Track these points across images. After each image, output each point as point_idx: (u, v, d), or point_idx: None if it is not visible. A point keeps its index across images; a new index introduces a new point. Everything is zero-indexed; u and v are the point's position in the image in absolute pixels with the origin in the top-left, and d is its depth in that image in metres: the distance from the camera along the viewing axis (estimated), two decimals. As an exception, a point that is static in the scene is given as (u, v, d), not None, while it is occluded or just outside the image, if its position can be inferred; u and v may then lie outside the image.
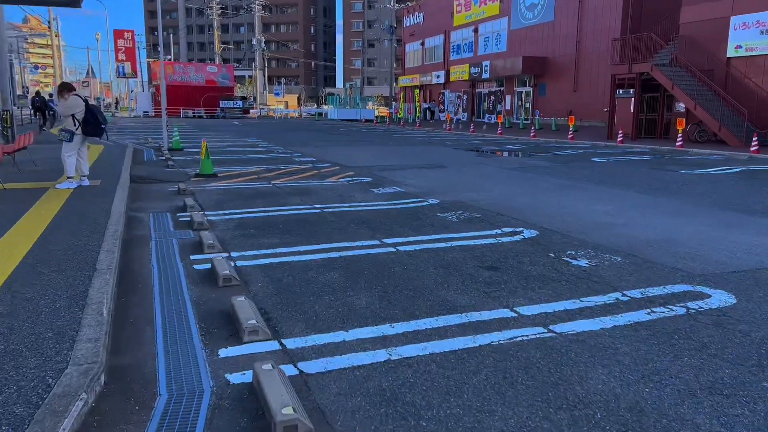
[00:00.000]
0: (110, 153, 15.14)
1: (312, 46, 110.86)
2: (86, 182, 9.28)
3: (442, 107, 46.55)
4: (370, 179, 11.46)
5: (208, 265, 5.27)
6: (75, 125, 8.90)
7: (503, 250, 5.97)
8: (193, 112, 52.51)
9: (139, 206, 8.40)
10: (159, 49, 18.08)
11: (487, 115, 40.03)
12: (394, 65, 57.98)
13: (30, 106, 34.32)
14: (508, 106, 41.25)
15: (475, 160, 15.65)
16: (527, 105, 39.67)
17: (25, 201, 7.82)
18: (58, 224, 6.47)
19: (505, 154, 18.26)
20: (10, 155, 10.41)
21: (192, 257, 5.66)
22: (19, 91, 71.18)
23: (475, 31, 44.98)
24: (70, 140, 8.87)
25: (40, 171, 10.81)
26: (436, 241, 6.34)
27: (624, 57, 24.98)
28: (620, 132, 21.90)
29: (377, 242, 6.31)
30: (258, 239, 6.42)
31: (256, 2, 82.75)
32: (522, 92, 40.21)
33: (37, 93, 35.72)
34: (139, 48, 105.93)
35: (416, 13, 55.23)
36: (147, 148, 18.73)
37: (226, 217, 7.68)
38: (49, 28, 43.74)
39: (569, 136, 23.72)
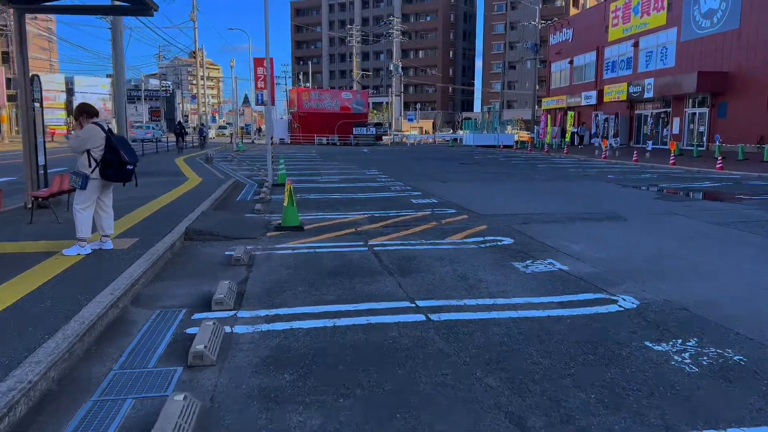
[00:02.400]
0: (200, 190, 12.94)
1: (450, 70, 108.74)
2: (108, 244, 6.68)
3: (598, 131, 41.05)
4: (510, 241, 7.82)
5: None
6: (90, 166, 6.33)
7: None
8: (327, 140, 51.77)
9: (156, 291, 5.54)
10: (264, 70, 15.89)
11: (649, 142, 34.26)
12: (537, 87, 53.39)
13: (173, 132, 39.25)
14: (675, 130, 35.13)
15: (661, 207, 11.32)
16: (701, 128, 33.39)
17: (-9, 281, 5.27)
18: (-43, 350, 3.67)
19: (699, 195, 13.61)
20: (44, 200, 8.23)
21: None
22: (180, 119, 76.83)
23: (635, 45, 39.37)
24: (83, 187, 6.30)
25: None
26: (682, 468, 2.63)
27: None
28: None
29: (534, 455, 2.73)
30: (282, 419, 3.13)
31: (395, 28, 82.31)
32: (695, 114, 33.98)
33: (179, 122, 38.70)
34: (285, 77, 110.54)
35: (564, 29, 50.41)
36: (253, 181, 16.56)
37: (265, 327, 4.52)
38: (194, 57, 45.14)
39: (775, 169, 18.15)
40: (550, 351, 4.00)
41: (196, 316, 4.79)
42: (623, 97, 38.83)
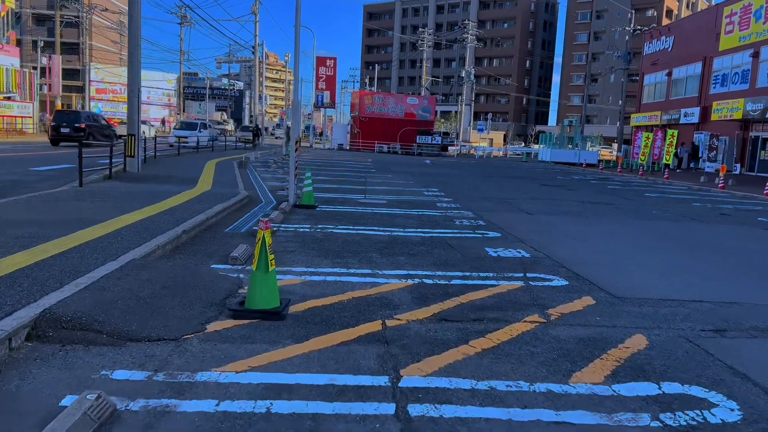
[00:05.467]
0: (183, 210, 9.03)
1: (525, 81, 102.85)
2: None
3: (712, 155, 34.75)
4: (735, 413, 3.36)
5: None
6: None
7: None
8: (388, 147, 47.79)
9: None
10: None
11: (773, 170, 28.30)
12: (624, 101, 47.45)
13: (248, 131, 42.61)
14: (806, 158, 28.97)
15: None
16: (842, 158, 27.17)
17: None
18: None
19: None
20: None
21: None
22: (248, 120, 75.54)
23: (755, 55, 33.28)
24: None
25: None
26: None
27: None
28: None
29: None
30: None
31: (470, 33, 77.77)
32: (835, 139, 27.77)
33: (255, 125, 40.56)
34: (353, 81, 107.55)
35: (663, 37, 44.46)
36: (275, 198, 12.65)
37: None
38: (253, 53, 42.20)
39: None
40: None
41: None
42: (737, 115, 32.80)
